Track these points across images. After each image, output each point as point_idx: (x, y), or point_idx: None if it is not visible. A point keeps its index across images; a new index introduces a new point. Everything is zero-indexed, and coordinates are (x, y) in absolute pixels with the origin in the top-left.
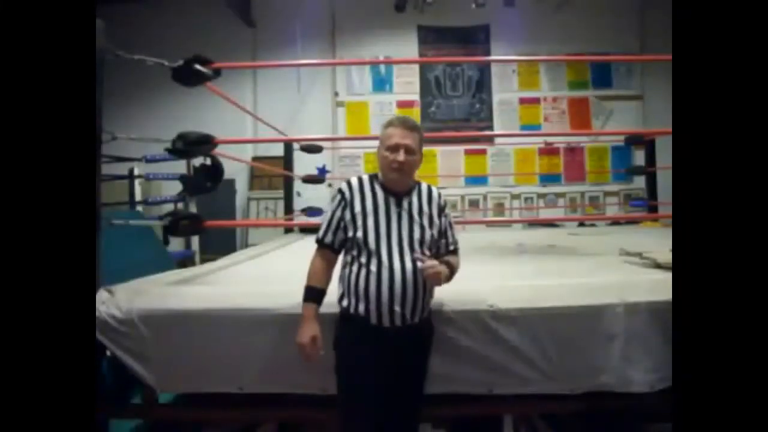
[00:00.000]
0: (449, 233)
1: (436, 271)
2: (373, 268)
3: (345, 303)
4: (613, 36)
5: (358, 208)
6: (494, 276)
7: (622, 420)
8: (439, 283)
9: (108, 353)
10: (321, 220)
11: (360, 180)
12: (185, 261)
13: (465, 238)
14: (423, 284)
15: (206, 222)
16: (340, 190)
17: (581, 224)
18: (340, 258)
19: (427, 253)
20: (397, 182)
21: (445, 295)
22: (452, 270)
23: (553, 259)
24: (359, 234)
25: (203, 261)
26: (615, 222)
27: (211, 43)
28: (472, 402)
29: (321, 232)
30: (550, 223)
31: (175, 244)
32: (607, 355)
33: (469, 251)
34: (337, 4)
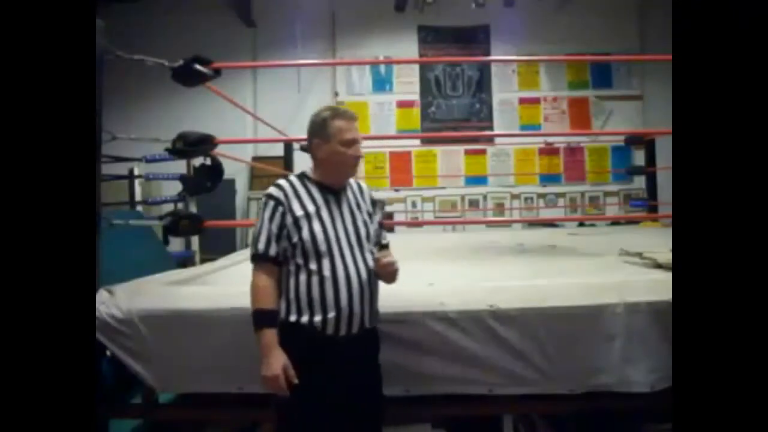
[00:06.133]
0: (382, 228)
1: (396, 268)
2: (327, 273)
3: (293, 317)
4: (613, 36)
5: (299, 211)
6: (494, 276)
7: (622, 420)
8: (395, 279)
9: (108, 353)
10: (254, 232)
11: (290, 181)
12: (185, 261)
13: (466, 238)
14: (376, 283)
15: (206, 222)
16: (271, 196)
17: (581, 224)
18: None
19: (374, 250)
20: (347, 178)
21: (445, 295)
22: None
23: (553, 259)
24: (306, 237)
25: (203, 261)
26: (615, 222)
27: (211, 43)
28: (472, 402)
29: (261, 245)
30: (550, 223)
31: (175, 244)
32: (607, 355)
33: (470, 251)
34: (337, 4)
